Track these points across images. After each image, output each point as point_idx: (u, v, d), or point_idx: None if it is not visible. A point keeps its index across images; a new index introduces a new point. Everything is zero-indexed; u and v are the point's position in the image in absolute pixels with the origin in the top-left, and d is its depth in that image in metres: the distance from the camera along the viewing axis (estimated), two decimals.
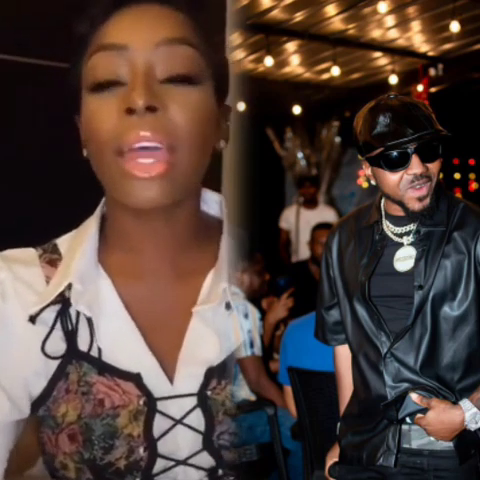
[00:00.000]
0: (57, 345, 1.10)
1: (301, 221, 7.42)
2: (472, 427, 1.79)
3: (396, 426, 1.84)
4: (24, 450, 1.18)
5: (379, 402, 1.84)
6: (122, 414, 1.08)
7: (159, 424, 1.09)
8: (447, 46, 6.63)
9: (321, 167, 8.38)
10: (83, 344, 1.10)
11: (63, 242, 1.17)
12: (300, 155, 8.38)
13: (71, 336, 1.10)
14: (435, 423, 1.78)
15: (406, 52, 6.83)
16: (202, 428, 1.10)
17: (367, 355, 1.88)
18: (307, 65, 7.16)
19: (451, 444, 1.82)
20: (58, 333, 1.10)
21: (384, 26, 6.12)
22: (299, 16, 5.81)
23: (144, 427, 1.08)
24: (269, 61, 6.22)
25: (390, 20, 5.98)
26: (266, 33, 6.03)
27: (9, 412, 1.10)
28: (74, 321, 1.10)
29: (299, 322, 3.16)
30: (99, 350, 1.09)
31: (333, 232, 2.02)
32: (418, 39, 6.51)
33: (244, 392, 3.49)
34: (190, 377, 1.11)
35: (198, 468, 1.10)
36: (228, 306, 1.12)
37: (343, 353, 2.04)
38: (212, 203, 1.22)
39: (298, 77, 7.54)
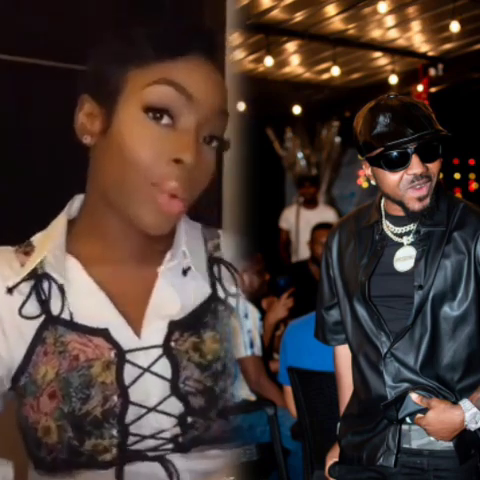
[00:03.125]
0: (33, 312, 1.22)
1: (301, 221, 7.42)
2: (472, 427, 1.79)
3: (396, 426, 1.84)
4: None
5: (379, 402, 1.84)
6: (96, 365, 1.20)
7: (129, 373, 1.21)
8: (447, 46, 6.63)
9: (321, 167, 8.37)
10: (56, 310, 1.23)
11: (36, 237, 1.31)
12: (300, 155, 8.37)
13: (45, 304, 1.23)
14: (435, 423, 1.78)
15: (406, 52, 6.83)
16: (168, 375, 1.23)
17: (367, 355, 1.88)
18: (307, 65, 7.16)
19: (451, 444, 1.82)
20: (34, 302, 1.23)
21: (384, 26, 6.12)
22: (299, 16, 5.81)
23: (116, 375, 1.20)
24: (269, 61, 6.22)
25: (390, 20, 5.98)
26: (266, 33, 6.03)
27: None
28: (47, 292, 1.23)
29: (299, 322, 3.16)
30: (70, 313, 1.23)
31: (333, 232, 2.02)
32: (418, 39, 6.51)
33: (244, 392, 3.48)
34: (155, 331, 1.24)
35: (168, 415, 1.22)
36: (184, 273, 1.29)
37: (343, 353, 2.04)
38: None
39: (298, 77, 7.54)
